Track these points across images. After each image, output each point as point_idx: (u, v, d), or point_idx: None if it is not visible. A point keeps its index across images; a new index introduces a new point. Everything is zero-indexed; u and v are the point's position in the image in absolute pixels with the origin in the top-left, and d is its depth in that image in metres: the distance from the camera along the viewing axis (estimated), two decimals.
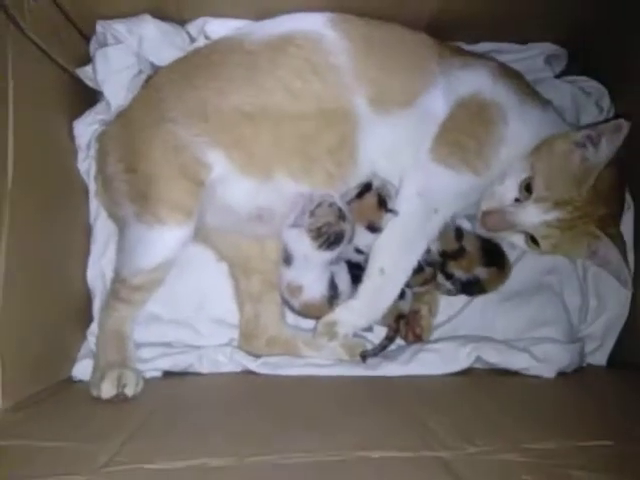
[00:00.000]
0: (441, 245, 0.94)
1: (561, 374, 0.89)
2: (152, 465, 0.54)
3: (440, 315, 1.00)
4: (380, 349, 0.94)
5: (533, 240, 0.87)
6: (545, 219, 0.83)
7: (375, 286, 0.89)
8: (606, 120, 0.96)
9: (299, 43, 0.85)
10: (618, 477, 0.53)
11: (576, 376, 0.90)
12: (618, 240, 0.86)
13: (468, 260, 0.95)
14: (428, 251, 0.93)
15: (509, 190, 0.86)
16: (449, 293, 0.98)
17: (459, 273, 0.95)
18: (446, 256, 0.95)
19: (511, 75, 0.93)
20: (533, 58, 1.02)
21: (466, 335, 0.96)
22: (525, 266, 1.00)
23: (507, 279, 0.97)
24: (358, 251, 0.93)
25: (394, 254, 0.90)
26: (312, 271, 0.92)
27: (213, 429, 0.68)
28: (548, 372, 0.88)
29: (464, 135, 0.87)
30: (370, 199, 0.90)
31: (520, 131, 0.87)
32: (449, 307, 1.00)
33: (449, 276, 0.96)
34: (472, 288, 0.96)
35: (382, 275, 0.89)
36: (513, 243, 0.92)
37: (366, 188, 0.90)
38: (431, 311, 0.98)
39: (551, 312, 0.98)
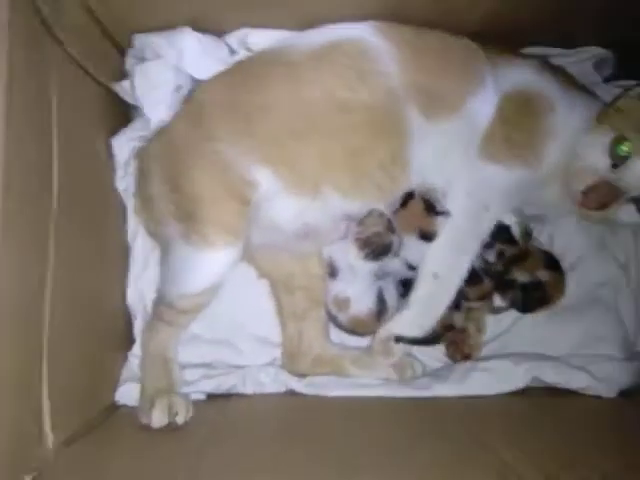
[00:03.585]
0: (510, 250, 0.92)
1: (622, 393, 0.86)
2: None
3: (488, 333, 0.96)
4: (417, 342, 0.90)
5: None
6: None
7: (429, 292, 0.87)
8: None
9: (345, 52, 0.82)
10: None
11: (637, 394, 0.87)
12: None
13: (532, 261, 0.92)
14: (488, 261, 0.91)
15: (599, 160, 0.78)
16: (496, 312, 0.95)
17: (523, 276, 0.92)
18: (510, 261, 0.92)
19: (555, 68, 0.91)
20: (581, 63, 0.98)
21: (519, 353, 0.93)
22: (576, 279, 0.97)
23: (565, 291, 0.94)
24: (410, 267, 0.90)
25: (447, 257, 0.87)
26: (358, 282, 0.90)
27: (263, 465, 0.65)
28: (608, 392, 0.85)
29: (512, 129, 0.84)
30: (416, 206, 0.87)
31: (568, 119, 0.84)
32: (497, 324, 0.97)
33: (509, 286, 0.93)
34: (534, 294, 0.92)
35: (436, 280, 0.86)
36: (624, 223, 0.81)
37: (409, 196, 0.88)
38: (479, 329, 0.95)
39: (606, 327, 0.94)
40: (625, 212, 0.80)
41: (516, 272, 0.92)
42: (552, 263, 0.93)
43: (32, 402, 0.63)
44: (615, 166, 0.78)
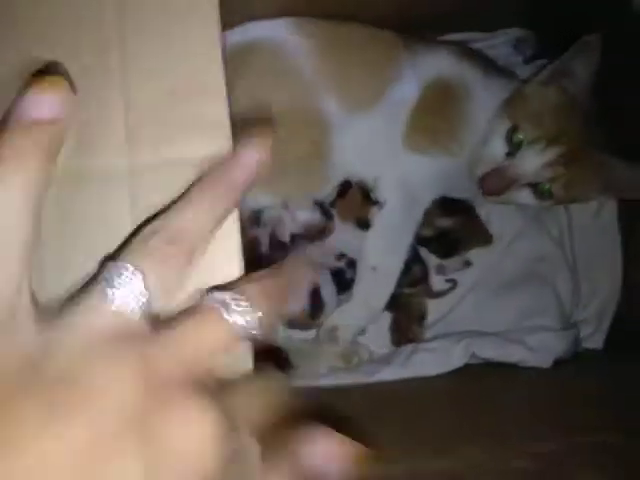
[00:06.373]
0: None
1: (558, 362, 0.88)
2: None
3: (433, 314, 0.98)
4: None
5: (542, 191, 0.82)
6: (545, 160, 0.78)
7: (369, 285, 0.89)
8: None
9: (261, 51, 0.83)
10: (628, 474, 0.51)
11: (574, 363, 0.89)
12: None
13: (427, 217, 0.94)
14: None
15: (497, 148, 0.82)
16: (436, 296, 0.97)
17: (427, 230, 0.94)
18: None
19: (473, 54, 0.93)
20: (501, 45, 1.01)
21: (460, 332, 0.95)
22: (514, 256, 0.99)
23: (489, 238, 0.96)
24: (340, 256, 0.91)
25: (383, 250, 0.89)
26: None
27: None
28: (545, 362, 0.87)
29: (433, 118, 0.86)
30: (355, 194, 0.89)
31: (485, 104, 0.86)
32: (441, 306, 0.98)
33: (426, 241, 0.94)
34: (448, 243, 0.94)
35: (374, 273, 0.88)
36: (522, 205, 0.87)
37: (346, 186, 0.89)
38: (421, 314, 0.97)
39: (543, 301, 0.96)
40: (523, 195, 0.83)
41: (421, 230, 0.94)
42: (451, 208, 0.94)
43: None
44: (510, 154, 0.81)
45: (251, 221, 0.87)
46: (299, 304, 0.89)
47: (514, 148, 0.80)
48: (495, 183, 0.81)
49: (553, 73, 0.81)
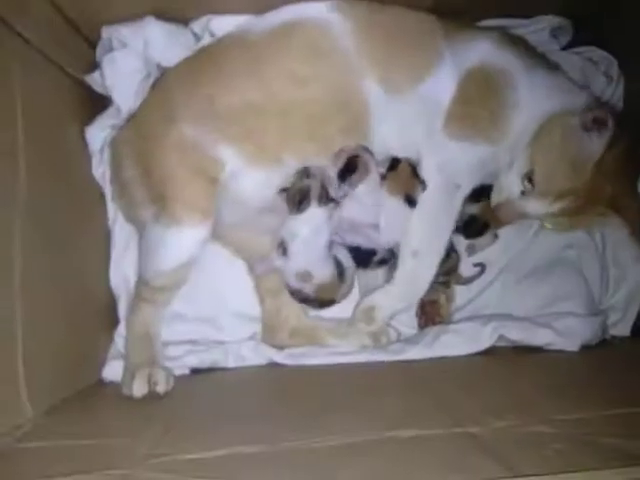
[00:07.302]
0: None
1: (585, 347, 0.89)
2: (190, 455, 0.55)
3: (460, 299, 1.00)
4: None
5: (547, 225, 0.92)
6: (550, 211, 0.86)
7: (410, 269, 0.90)
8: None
9: (303, 29, 0.85)
10: None
11: (600, 348, 0.90)
12: (631, 212, 0.85)
13: None
14: None
15: (514, 183, 0.88)
16: (464, 282, 0.99)
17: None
18: None
19: (515, 41, 0.93)
20: (538, 32, 1.01)
21: (488, 315, 0.96)
22: (542, 242, 1.00)
23: None
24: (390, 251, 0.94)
25: (425, 235, 0.90)
26: (311, 253, 0.91)
27: (245, 419, 0.69)
28: (571, 346, 0.88)
29: (475, 106, 0.87)
30: (405, 168, 0.91)
31: (530, 94, 0.87)
32: (468, 291, 1.00)
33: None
34: (475, 227, 0.97)
35: (416, 258, 0.89)
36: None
37: (396, 160, 0.91)
38: (448, 299, 0.98)
39: (571, 286, 0.98)
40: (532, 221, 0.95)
41: None
42: (478, 195, 0.94)
43: (7, 372, 0.66)
44: (523, 193, 0.88)
45: (300, 174, 0.88)
46: (329, 271, 0.91)
47: (527, 189, 0.87)
48: (506, 215, 0.91)
49: (582, 123, 0.83)
